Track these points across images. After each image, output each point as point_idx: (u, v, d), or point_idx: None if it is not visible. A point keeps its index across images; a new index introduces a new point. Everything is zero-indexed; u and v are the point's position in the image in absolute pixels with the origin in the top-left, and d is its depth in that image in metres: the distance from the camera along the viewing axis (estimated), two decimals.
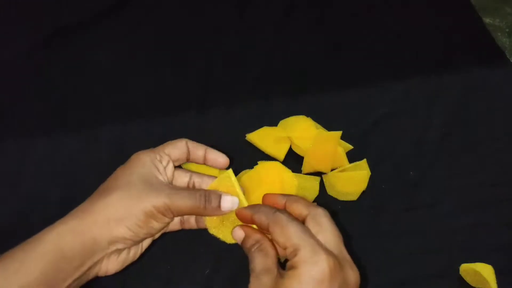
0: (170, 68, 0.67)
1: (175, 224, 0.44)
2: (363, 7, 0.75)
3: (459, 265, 0.50)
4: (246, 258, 0.49)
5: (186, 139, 0.43)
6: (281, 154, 0.57)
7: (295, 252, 0.34)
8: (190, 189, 0.42)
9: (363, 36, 0.72)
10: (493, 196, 0.56)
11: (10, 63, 0.66)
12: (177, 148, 0.42)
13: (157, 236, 0.43)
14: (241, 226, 0.40)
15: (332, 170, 0.56)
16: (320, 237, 0.35)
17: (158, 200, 0.38)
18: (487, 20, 0.75)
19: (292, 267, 0.34)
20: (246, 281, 0.49)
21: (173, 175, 0.42)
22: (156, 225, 0.39)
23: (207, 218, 0.42)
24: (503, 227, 0.54)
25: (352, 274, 0.35)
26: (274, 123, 0.60)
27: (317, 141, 0.56)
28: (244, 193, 0.41)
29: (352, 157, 0.57)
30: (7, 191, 0.55)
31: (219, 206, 0.40)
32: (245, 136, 0.59)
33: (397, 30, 0.72)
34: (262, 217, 0.37)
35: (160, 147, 0.42)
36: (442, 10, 0.75)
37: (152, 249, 0.50)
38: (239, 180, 0.52)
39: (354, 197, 0.55)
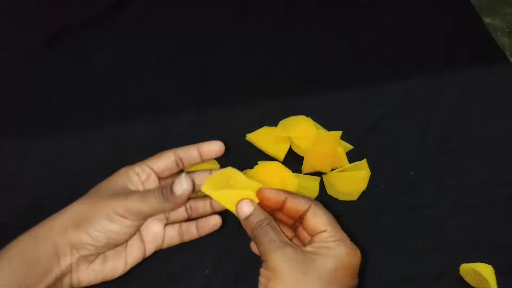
0: (170, 68, 0.67)
1: (173, 238, 0.44)
2: (364, 7, 0.75)
3: (459, 265, 0.50)
4: (247, 258, 0.50)
5: (175, 149, 0.42)
6: (281, 154, 0.57)
7: (335, 237, 0.36)
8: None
9: (363, 36, 0.72)
10: (493, 196, 0.56)
11: (10, 63, 0.66)
12: (162, 159, 0.41)
13: (148, 253, 0.42)
14: (251, 200, 0.38)
15: (332, 170, 0.56)
16: None
17: (116, 202, 0.38)
18: (487, 20, 0.75)
19: (328, 247, 0.35)
20: (247, 281, 0.49)
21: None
22: (115, 228, 0.38)
23: (209, 178, 0.39)
24: (503, 227, 0.54)
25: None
26: (274, 123, 0.60)
27: (317, 141, 0.56)
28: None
29: (352, 157, 0.57)
30: (7, 191, 0.55)
31: (180, 193, 0.38)
32: (245, 136, 0.59)
33: (397, 30, 0.72)
34: (301, 200, 0.38)
35: (144, 161, 0.41)
36: (442, 10, 0.75)
37: None
38: None
39: (354, 197, 0.55)
